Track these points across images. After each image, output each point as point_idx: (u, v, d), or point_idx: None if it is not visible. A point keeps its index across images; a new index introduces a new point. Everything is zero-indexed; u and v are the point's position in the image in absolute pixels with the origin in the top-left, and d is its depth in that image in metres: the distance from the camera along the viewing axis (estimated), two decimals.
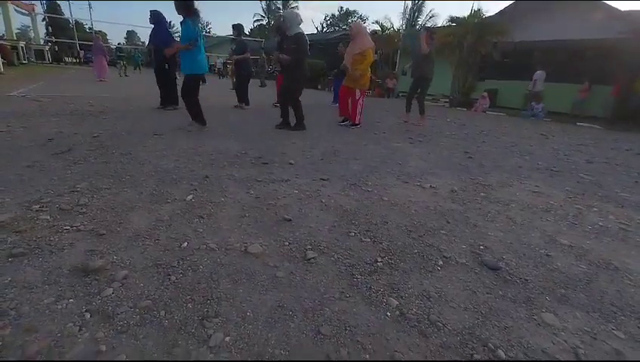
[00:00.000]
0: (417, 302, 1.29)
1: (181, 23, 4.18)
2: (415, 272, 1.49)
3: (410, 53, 6.34)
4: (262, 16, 46.04)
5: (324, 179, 2.68)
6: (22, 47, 27.16)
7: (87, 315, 1.12)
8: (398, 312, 1.23)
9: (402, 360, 1.03)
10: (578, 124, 8.69)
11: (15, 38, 27.54)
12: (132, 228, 1.70)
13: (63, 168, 2.54)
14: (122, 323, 1.10)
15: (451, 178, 3.01)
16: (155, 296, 1.24)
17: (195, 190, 2.27)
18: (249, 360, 1.00)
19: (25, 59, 26.38)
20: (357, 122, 5.38)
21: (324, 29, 42.13)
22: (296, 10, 4.74)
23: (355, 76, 5.05)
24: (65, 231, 1.63)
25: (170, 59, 5.71)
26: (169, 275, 1.35)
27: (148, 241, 1.60)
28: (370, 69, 5.20)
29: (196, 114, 4.38)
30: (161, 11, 6.06)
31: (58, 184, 2.22)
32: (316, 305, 1.25)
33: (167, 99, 6.17)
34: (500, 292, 1.38)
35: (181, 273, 1.38)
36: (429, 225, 1.99)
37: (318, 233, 1.80)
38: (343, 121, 5.63)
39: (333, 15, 45.53)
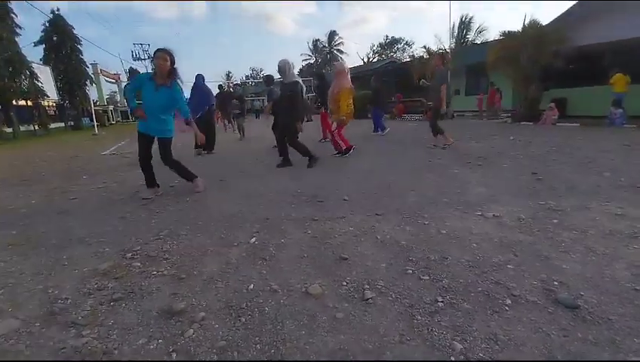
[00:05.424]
0: (484, 346, 1.24)
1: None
2: (480, 313, 1.43)
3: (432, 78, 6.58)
4: (309, 55, 48.94)
5: (378, 214, 2.71)
6: (111, 110, 32.26)
7: (174, 355, 1.27)
8: (462, 357, 1.19)
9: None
10: None
11: (105, 103, 32.91)
12: (206, 272, 1.90)
13: (148, 218, 2.93)
14: None
15: (517, 204, 2.82)
16: (228, 336, 1.36)
17: (258, 232, 2.45)
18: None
19: (113, 120, 31.19)
20: (342, 150, 5.71)
21: (371, 59, 42.97)
22: (289, 60, 5.06)
23: (333, 110, 5.66)
24: (153, 276, 1.88)
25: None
26: (239, 317, 1.48)
27: (220, 284, 1.77)
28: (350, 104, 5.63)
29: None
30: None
31: (145, 232, 2.56)
32: (376, 348, 1.26)
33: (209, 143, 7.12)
34: (579, 335, 1.26)
35: (249, 315, 1.50)
36: (493, 259, 1.89)
37: (374, 271, 1.82)
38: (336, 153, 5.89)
39: (380, 44, 46.42)
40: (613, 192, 3.01)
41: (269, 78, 8.06)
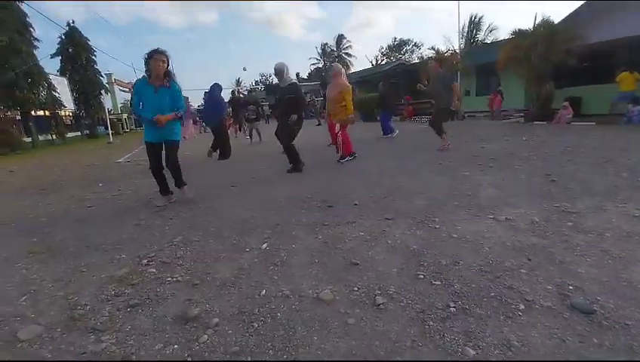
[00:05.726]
0: (497, 352, 1.23)
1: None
2: (493, 318, 1.42)
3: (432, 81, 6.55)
4: (317, 59, 49.12)
5: (389, 219, 2.71)
6: (125, 118, 33.04)
7: (189, 359, 1.30)
8: None
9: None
10: None
11: (119, 112, 33.72)
12: (219, 278, 1.93)
13: (162, 224, 2.99)
14: None
15: (530, 207, 2.78)
16: (241, 342, 1.38)
17: (269, 238, 2.48)
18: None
19: (127, 128, 31.92)
20: (343, 155, 5.66)
21: (379, 62, 42.75)
22: (285, 63, 5.03)
23: (335, 111, 5.58)
24: (167, 282, 1.92)
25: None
26: (252, 322, 1.51)
27: (232, 290, 1.80)
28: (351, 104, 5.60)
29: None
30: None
31: (160, 239, 2.62)
32: (388, 353, 1.27)
33: (223, 152, 7.35)
34: (595, 340, 1.24)
35: (262, 320, 1.52)
36: (506, 263, 1.87)
37: (386, 277, 1.82)
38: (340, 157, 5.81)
39: (388, 46, 46.18)
40: (631, 193, 2.94)
41: (268, 90, 8.43)
